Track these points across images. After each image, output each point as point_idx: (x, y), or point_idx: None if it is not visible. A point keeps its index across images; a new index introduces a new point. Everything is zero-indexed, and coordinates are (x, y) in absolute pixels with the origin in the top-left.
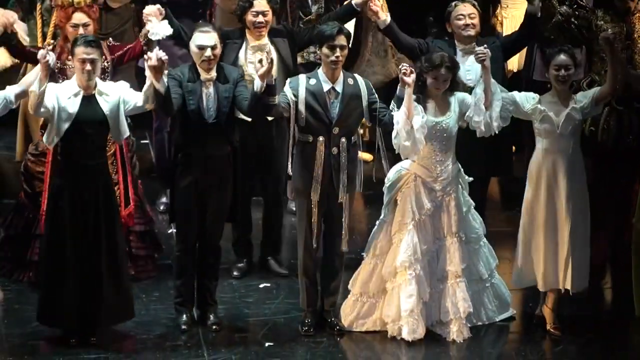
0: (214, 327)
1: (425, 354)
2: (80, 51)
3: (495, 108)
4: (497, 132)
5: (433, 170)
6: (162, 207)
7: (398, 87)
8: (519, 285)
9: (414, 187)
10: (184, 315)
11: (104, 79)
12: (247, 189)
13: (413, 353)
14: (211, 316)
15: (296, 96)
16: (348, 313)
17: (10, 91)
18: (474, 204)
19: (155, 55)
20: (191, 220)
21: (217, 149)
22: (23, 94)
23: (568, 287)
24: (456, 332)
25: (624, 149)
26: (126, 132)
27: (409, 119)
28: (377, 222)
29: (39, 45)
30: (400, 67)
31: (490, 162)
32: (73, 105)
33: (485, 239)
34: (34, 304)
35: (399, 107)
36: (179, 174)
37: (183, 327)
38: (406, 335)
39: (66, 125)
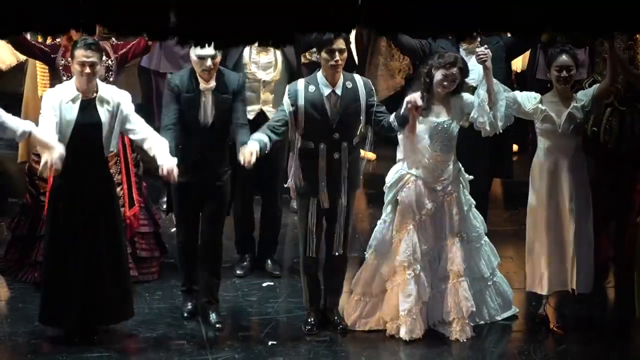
0: (216, 325)
1: (428, 353)
2: (80, 54)
3: (500, 108)
4: (501, 132)
5: (434, 171)
6: (165, 206)
7: (404, 106)
8: (528, 288)
9: (414, 187)
10: (189, 303)
11: (108, 77)
12: (248, 188)
13: (416, 352)
14: (213, 315)
15: (294, 105)
16: (351, 312)
17: (26, 128)
18: (474, 202)
19: (171, 175)
20: (188, 214)
21: (214, 150)
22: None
23: (574, 287)
24: (459, 331)
25: (626, 150)
26: (113, 147)
27: (414, 143)
28: (379, 222)
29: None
30: (406, 99)
31: (493, 163)
32: (72, 112)
33: (486, 237)
34: (37, 303)
35: (399, 124)
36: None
37: (186, 314)
38: (404, 334)
39: (69, 132)
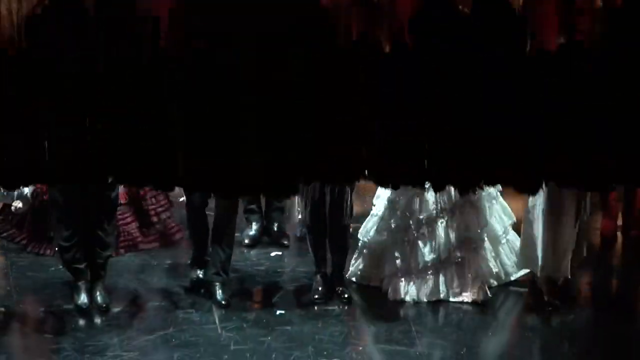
0: (222, 302)
1: (439, 323)
2: None
3: None
4: None
5: None
6: None
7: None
8: (521, 267)
9: None
10: (198, 271)
11: None
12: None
13: (427, 321)
14: (219, 291)
15: None
16: (353, 263)
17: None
18: None
19: None
20: None
21: None
22: None
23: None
24: (476, 292)
25: None
26: None
27: None
28: None
29: None
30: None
31: None
32: None
33: (501, 197)
34: (46, 272)
35: None
36: None
37: (194, 283)
38: (391, 294)
39: None
